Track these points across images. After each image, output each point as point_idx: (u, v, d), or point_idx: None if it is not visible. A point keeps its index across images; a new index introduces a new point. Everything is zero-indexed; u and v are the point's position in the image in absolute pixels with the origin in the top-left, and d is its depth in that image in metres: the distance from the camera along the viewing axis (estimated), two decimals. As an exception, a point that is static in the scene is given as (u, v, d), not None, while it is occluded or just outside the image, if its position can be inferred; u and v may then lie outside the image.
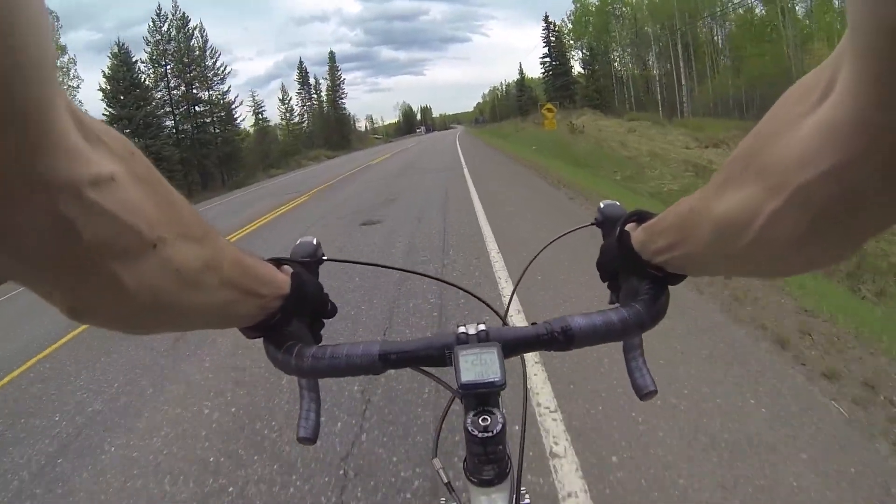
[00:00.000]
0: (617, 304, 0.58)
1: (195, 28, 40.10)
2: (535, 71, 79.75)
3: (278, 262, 0.58)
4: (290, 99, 65.49)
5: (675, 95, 45.07)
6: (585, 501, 1.82)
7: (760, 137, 0.33)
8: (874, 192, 0.26)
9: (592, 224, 0.73)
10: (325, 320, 0.66)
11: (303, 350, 0.56)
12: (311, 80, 76.79)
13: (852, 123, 0.24)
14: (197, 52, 39.69)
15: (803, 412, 2.16)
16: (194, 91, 39.25)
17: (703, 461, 1.94)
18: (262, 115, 53.51)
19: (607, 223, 0.69)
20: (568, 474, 1.96)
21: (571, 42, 61.73)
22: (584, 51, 57.52)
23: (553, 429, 2.24)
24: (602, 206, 0.71)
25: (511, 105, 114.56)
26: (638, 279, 0.57)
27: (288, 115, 70.09)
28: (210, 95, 40.41)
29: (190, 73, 38.60)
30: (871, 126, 0.23)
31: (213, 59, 41.25)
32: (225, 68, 42.02)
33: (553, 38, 62.02)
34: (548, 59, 62.81)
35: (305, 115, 75.24)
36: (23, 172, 0.23)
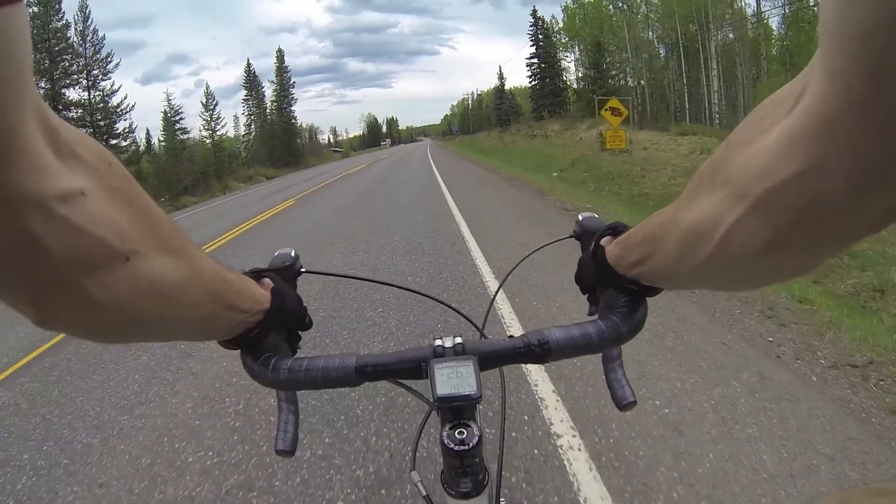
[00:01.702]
0: (595, 317, 0.60)
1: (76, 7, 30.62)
2: (508, 81, 72.25)
3: (258, 275, 0.60)
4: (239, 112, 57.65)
5: (705, 103, 38.12)
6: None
7: (730, 148, 0.33)
8: (838, 201, 0.26)
9: (571, 237, 0.75)
10: (301, 333, 0.67)
11: (279, 362, 0.58)
12: (265, 86, 68.92)
13: (819, 128, 0.25)
14: (73, 38, 30.04)
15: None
16: (61, 91, 28.95)
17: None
18: (179, 126, 44.45)
19: (585, 236, 0.70)
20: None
21: (564, 41, 54.92)
22: (581, 50, 50.40)
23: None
24: (580, 218, 0.72)
25: (484, 116, 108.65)
26: (615, 291, 0.59)
27: (234, 127, 62.24)
28: (91, 96, 30.96)
29: (59, 66, 28.88)
30: (838, 133, 0.24)
31: (95, 47, 31.60)
32: (108, 59, 32.26)
33: (541, 36, 55.11)
34: (535, 61, 55.78)
35: (253, 127, 66.90)
36: None
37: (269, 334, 0.58)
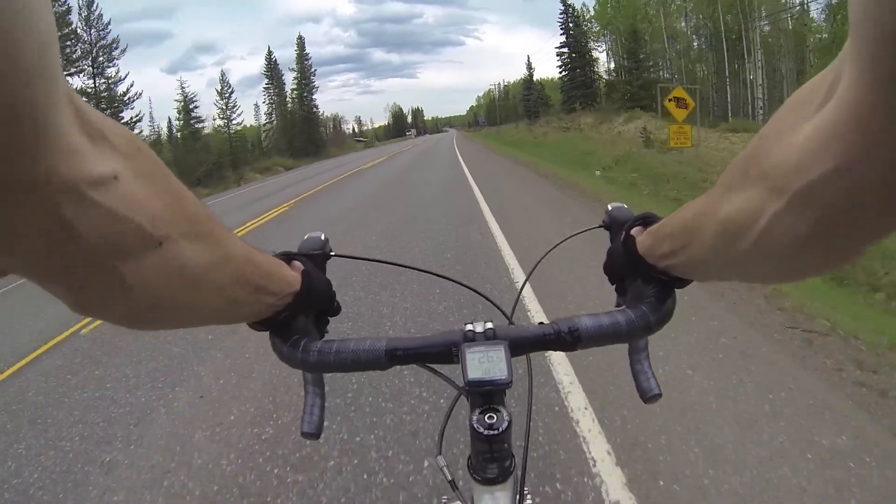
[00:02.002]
0: (623, 307, 0.60)
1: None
2: (536, 72, 70.00)
3: (288, 258, 0.60)
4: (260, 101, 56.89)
5: (747, 97, 35.92)
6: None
7: (764, 140, 0.34)
8: (875, 196, 0.26)
9: (600, 227, 0.75)
10: (329, 318, 0.68)
11: (309, 344, 0.58)
12: (286, 74, 67.72)
13: (853, 126, 0.25)
14: (76, 24, 29.04)
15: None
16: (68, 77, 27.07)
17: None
18: (194, 114, 43.36)
19: (615, 226, 0.71)
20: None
21: (595, 30, 52.85)
22: (614, 39, 48.27)
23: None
24: (610, 208, 0.73)
25: (510, 107, 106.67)
26: (644, 282, 0.59)
27: (255, 116, 61.20)
28: (98, 84, 30.00)
29: (61, 52, 26.90)
30: (872, 129, 0.24)
31: (99, 33, 30.45)
32: (114, 46, 31.00)
33: (572, 25, 53.11)
34: (566, 51, 53.79)
35: (274, 116, 65.84)
36: (22, 173, 0.24)
37: (298, 317, 0.59)
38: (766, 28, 34.55)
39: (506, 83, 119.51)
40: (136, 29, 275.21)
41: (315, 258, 0.66)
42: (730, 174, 0.38)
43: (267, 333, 0.59)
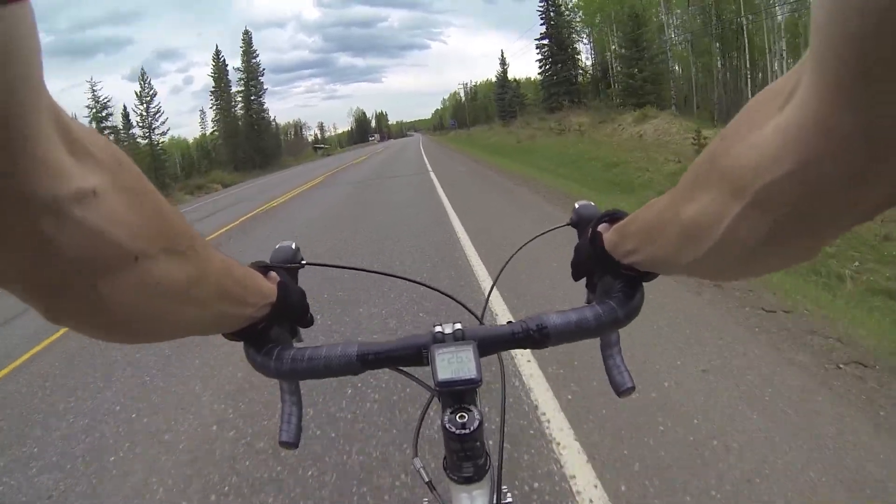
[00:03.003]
0: (593, 302, 0.62)
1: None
2: (511, 72, 64.90)
3: (263, 269, 0.62)
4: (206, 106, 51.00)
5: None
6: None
7: (725, 141, 0.34)
8: (834, 195, 0.27)
9: (567, 224, 0.77)
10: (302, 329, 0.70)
11: (282, 353, 0.60)
12: (231, 74, 61.29)
13: (813, 127, 0.25)
14: None
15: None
16: None
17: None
18: (107, 124, 36.93)
19: (582, 223, 0.72)
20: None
21: (580, 19, 48.05)
22: (606, 27, 43.29)
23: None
24: (577, 206, 0.74)
25: (480, 108, 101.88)
26: (612, 277, 0.61)
27: (202, 125, 55.05)
28: None
29: None
30: (831, 130, 0.24)
31: None
32: None
33: (553, 14, 48.29)
34: (546, 43, 48.87)
35: (219, 124, 59.63)
36: (2, 190, 0.24)
37: (273, 327, 0.60)
38: (783, 16, 29.90)
39: (474, 83, 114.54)
40: (96, 35, 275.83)
41: (290, 269, 0.66)
42: (692, 174, 0.39)
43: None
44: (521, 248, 0.92)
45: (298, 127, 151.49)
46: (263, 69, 64.18)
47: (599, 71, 48.17)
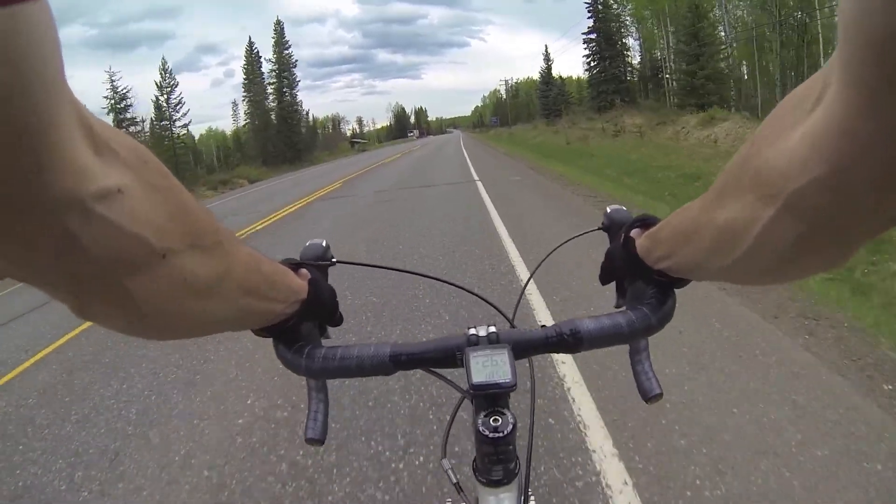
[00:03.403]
0: (624, 307, 0.63)
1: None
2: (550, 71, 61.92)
3: (294, 266, 0.62)
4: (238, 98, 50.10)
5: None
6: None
7: (756, 145, 0.34)
8: (865, 199, 0.27)
9: (599, 228, 0.77)
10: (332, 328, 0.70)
11: (313, 351, 0.60)
12: (265, 66, 59.96)
13: (841, 131, 0.25)
14: None
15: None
16: None
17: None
18: (127, 116, 35.55)
19: (613, 228, 0.72)
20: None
21: (629, 11, 45.37)
22: (659, 20, 40.48)
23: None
24: (609, 210, 0.74)
25: (522, 105, 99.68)
26: (644, 283, 0.61)
27: (234, 118, 53.90)
28: None
29: None
30: (859, 134, 0.24)
31: None
32: None
33: (601, 6, 45.71)
34: (594, 38, 46.36)
35: (250, 117, 58.41)
36: (28, 190, 0.24)
37: (303, 324, 0.61)
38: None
39: (515, 81, 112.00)
40: (138, 30, 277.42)
41: (320, 266, 0.66)
42: (724, 179, 0.39)
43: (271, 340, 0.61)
44: (552, 251, 0.93)
45: (336, 121, 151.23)
46: (296, 61, 63.14)
47: (650, 69, 45.51)
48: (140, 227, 0.30)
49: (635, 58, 47.24)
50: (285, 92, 60.26)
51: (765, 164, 0.32)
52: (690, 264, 0.49)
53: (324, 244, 0.70)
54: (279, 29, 60.82)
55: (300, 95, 59.67)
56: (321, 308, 0.62)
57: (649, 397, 0.66)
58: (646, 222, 0.61)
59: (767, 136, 0.33)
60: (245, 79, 58.60)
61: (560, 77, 64.90)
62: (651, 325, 0.59)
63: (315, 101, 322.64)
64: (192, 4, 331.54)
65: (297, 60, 62.67)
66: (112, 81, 38.73)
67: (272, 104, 59.34)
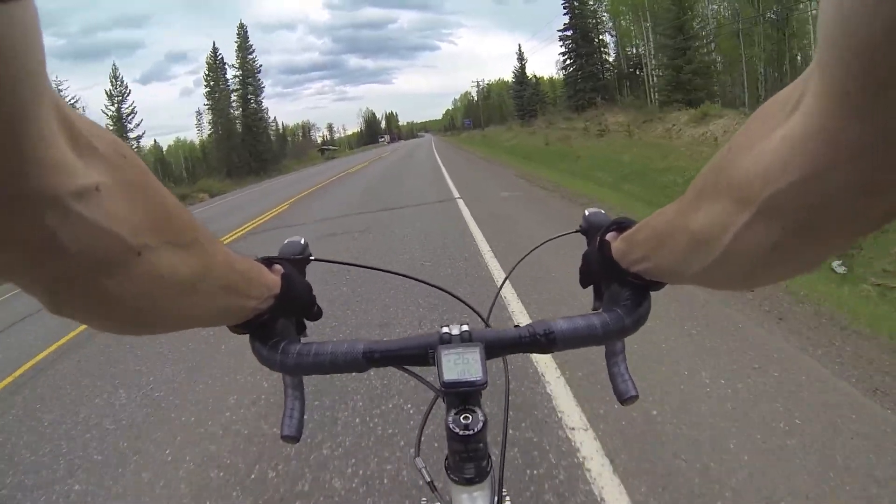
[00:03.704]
0: (600, 310, 0.63)
1: None
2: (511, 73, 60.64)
3: (269, 262, 0.62)
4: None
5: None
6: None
7: (732, 150, 0.34)
8: (841, 205, 0.27)
9: (577, 231, 0.77)
10: (310, 322, 0.71)
11: (288, 347, 0.60)
12: (229, 72, 57.45)
13: (819, 136, 0.25)
14: None
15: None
16: None
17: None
18: None
19: (591, 231, 0.72)
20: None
21: (606, 6, 44.09)
22: (639, 14, 39.09)
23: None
24: (587, 213, 0.75)
25: (494, 107, 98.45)
26: (620, 286, 0.61)
27: (199, 127, 51.60)
28: None
29: None
30: (838, 139, 0.24)
31: None
32: None
33: (577, 4, 44.37)
34: (570, 34, 45.02)
35: (214, 127, 55.88)
36: (6, 186, 0.24)
37: (279, 320, 0.62)
38: None
39: (487, 82, 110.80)
40: (107, 39, 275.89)
41: (295, 262, 0.67)
42: (699, 183, 0.40)
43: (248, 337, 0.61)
44: (529, 252, 0.94)
45: (307, 128, 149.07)
46: (261, 66, 60.48)
47: (628, 65, 44.34)
48: (117, 225, 0.31)
49: (612, 55, 46.09)
50: (250, 99, 57.87)
51: (742, 169, 0.32)
52: (665, 268, 0.50)
53: (302, 242, 0.70)
54: (242, 33, 58.29)
55: (268, 103, 57.89)
56: (294, 303, 0.62)
57: (625, 399, 0.66)
58: (622, 225, 0.61)
59: (745, 141, 0.33)
60: (206, 85, 56.09)
61: (535, 76, 63.55)
62: (625, 326, 0.59)
63: (286, 109, 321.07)
64: (162, 12, 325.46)
65: (261, 66, 60.31)
66: (59, 91, 35.30)
67: (236, 112, 56.85)
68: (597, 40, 45.12)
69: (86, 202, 0.28)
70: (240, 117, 56.50)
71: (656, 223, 0.49)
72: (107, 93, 42.09)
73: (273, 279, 0.58)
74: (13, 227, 0.26)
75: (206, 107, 56.84)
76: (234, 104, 57.26)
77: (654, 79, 36.40)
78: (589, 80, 42.86)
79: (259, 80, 59.97)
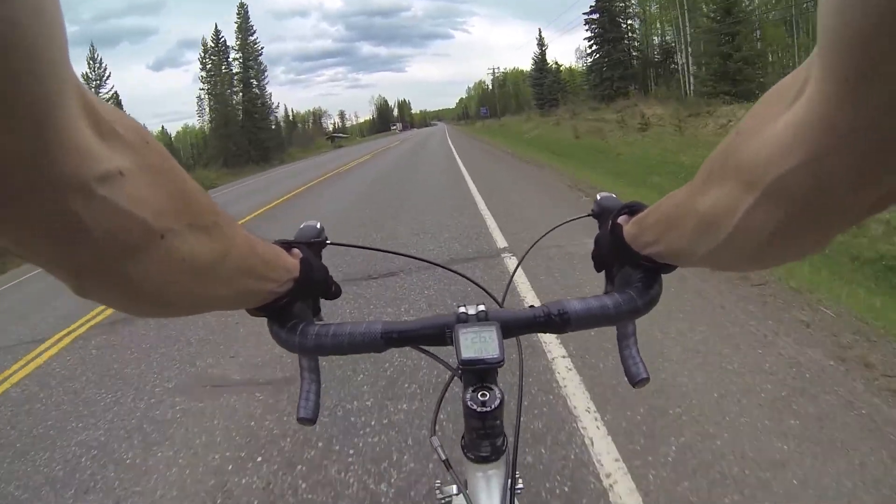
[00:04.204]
0: (612, 291, 0.65)
1: None
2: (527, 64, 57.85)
3: (287, 245, 0.64)
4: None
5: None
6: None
7: (740, 135, 0.36)
8: (843, 187, 0.28)
9: (589, 215, 0.79)
10: (328, 301, 0.72)
11: (307, 328, 0.62)
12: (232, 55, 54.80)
13: (821, 122, 0.26)
14: None
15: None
16: None
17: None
18: None
19: (603, 215, 0.74)
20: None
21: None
22: (683, 6, 36.02)
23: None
24: (599, 197, 0.76)
25: (510, 96, 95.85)
26: (631, 268, 0.63)
27: (200, 114, 49.26)
28: None
29: None
30: (839, 124, 0.25)
31: None
32: None
33: (604, -17, 41.32)
34: (595, 18, 42.06)
35: (216, 111, 52.97)
36: (31, 171, 0.25)
37: (296, 303, 0.62)
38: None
39: (502, 70, 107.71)
40: (120, 25, 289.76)
41: (312, 245, 0.68)
42: (708, 167, 0.41)
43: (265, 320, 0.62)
44: (542, 237, 0.97)
45: (318, 116, 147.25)
46: (262, 48, 57.37)
47: (654, 53, 41.39)
48: (140, 209, 0.31)
49: (642, 41, 43.06)
50: (252, 84, 55.09)
51: (748, 153, 0.33)
52: (675, 250, 0.51)
53: (318, 226, 0.72)
54: (243, 13, 55.45)
55: (281, 90, 56.29)
56: (313, 285, 0.63)
57: (636, 381, 0.68)
58: (633, 209, 0.62)
59: (751, 127, 0.34)
60: (203, 69, 53.39)
61: (556, 63, 60.31)
62: (637, 307, 0.61)
63: (298, 96, 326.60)
64: (175, 0, 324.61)
65: (262, 48, 57.33)
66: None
67: (237, 98, 54.14)
68: (625, 25, 42.11)
69: (109, 186, 0.29)
70: (240, 103, 53.80)
71: (667, 206, 0.50)
72: (84, 76, 39.47)
73: (292, 262, 0.59)
74: (39, 211, 0.26)
75: (204, 91, 54.09)
76: (234, 89, 54.46)
77: (691, 67, 33.38)
78: (616, 68, 39.93)
79: (262, 63, 57.11)
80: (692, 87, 31.76)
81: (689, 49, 33.40)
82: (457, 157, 19.37)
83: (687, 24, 34.46)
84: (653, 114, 23.21)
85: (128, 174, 0.30)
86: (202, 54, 53.10)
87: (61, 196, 0.27)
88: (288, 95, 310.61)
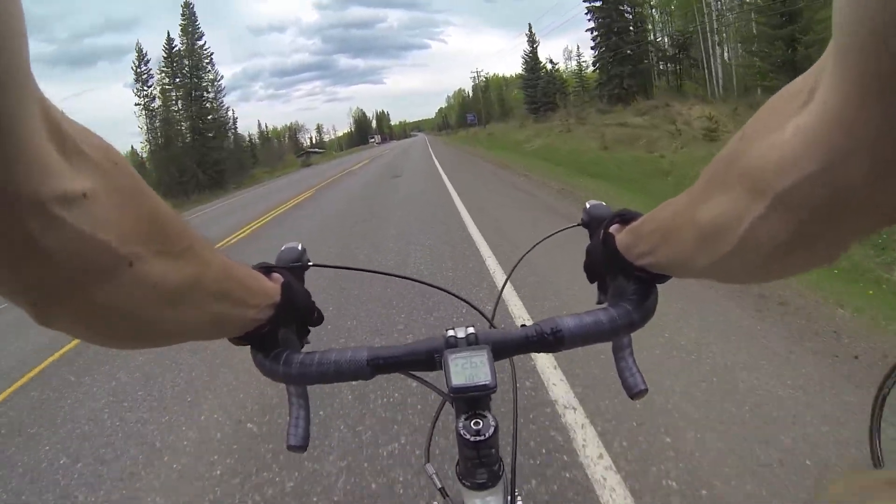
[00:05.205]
0: (605, 304, 0.63)
1: None
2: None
3: (266, 270, 0.62)
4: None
5: None
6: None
7: (745, 140, 0.34)
8: (858, 196, 0.27)
9: (579, 225, 0.78)
10: (311, 328, 0.70)
11: (291, 357, 0.60)
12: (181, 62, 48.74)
13: (836, 127, 0.26)
14: None
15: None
16: None
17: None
18: None
19: (593, 224, 0.73)
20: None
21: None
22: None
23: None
24: (588, 206, 0.75)
25: (493, 103, 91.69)
26: (625, 279, 0.61)
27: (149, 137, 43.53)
28: None
29: None
30: (855, 130, 0.25)
31: None
32: None
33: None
34: (599, 6, 36.82)
35: (154, 130, 46.33)
36: None
37: (279, 330, 0.61)
38: None
39: (485, 75, 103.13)
40: (96, 44, 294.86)
41: (294, 269, 0.67)
42: (709, 174, 0.39)
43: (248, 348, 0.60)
44: (531, 249, 0.95)
45: (294, 130, 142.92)
46: (212, 53, 50.62)
47: (674, 45, 36.36)
48: (105, 233, 0.30)
49: (655, 33, 38.09)
50: (203, 97, 48.47)
51: (754, 160, 0.32)
52: (673, 261, 0.49)
53: (299, 248, 0.70)
54: (188, 12, 48.86)
55: (259, 105, 51.17)
56: (295, 311, 0.62)
57: (634, 393, 0.66)
58: (625, 218, 0.60)
59: (757, 132, 0.33)
60: (136, 80, 46.32)
61: (550, 60, 54.88)
62: (633, 321, 0.59)
63: (277, 111, 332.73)
64: (149, 16, 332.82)
65: (213, 53, 50.73)
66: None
67: (179, 113, 47.50)
68: (631, 14, 36.99)
69: (71, 208, 0.28)
70: (186, 119, 47.15)
71: (663, 215, 0.49)
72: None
73: (272, 287, 0.57)
74: None
75: (139, 107, 46.28)
76: (178, 102, 47.81)
77: (719, 59, 28.25)
78: (626, 63, 34.71)
79: (216, 72, 50.82)
80: (720, 83, 26.68)
81: (723, 36, 28.19)
82: (446, 180, 13.47)
83: (712, 6, 29.37)
84: (700, 115, 18.00)
85: (92, 196, 0.29)
86: (135, 62, 46.14)
87: (17, 215, 0.25)
88: (266, 111, 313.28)
